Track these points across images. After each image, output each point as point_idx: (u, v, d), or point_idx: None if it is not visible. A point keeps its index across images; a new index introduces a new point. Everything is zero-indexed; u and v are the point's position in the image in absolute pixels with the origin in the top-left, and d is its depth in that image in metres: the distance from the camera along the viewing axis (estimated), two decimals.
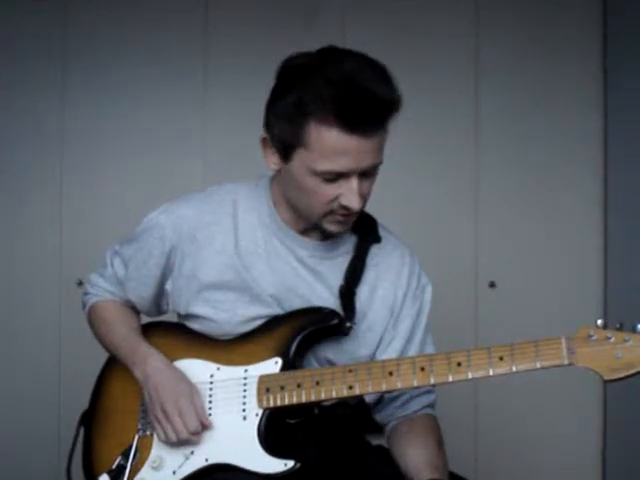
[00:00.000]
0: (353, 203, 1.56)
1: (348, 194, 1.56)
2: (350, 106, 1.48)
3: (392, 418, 1.74)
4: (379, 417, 1.76)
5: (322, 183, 1.56)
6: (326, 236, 1.70)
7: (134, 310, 1.86)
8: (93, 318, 1.87)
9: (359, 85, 1.48)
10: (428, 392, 1.74)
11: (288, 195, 1.66)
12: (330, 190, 1.56)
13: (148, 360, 1.70)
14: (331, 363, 1.69)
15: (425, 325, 1.76)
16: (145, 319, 1.88)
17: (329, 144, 1.51)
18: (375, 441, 1.82)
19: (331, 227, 1.63)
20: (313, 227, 1.68)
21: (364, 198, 1.60)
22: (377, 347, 1.72)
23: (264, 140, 1.63)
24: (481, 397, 3.29)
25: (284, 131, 1.56)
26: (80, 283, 3.12)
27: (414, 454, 1.63)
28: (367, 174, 1.57)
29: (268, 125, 1.61)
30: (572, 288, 3.33)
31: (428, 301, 1.78)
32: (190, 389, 1.66)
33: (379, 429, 1.78)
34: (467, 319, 3.32)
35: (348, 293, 1.69)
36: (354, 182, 1.55)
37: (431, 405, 1.75)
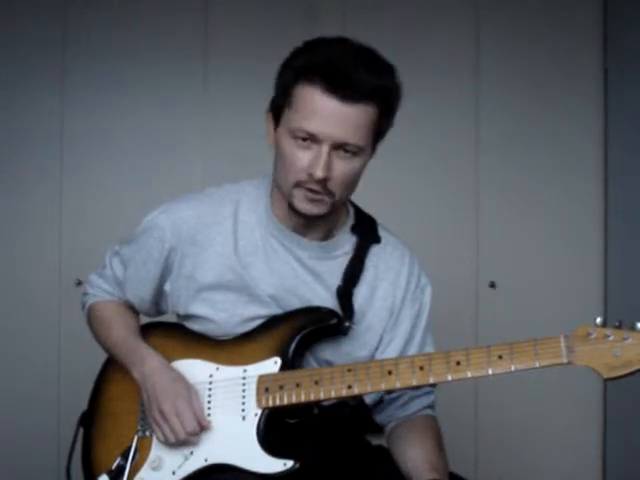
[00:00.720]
0: (315, 169, 1.55)
1: (314, 161, 1.56)
2: (338, 67, 1.52)
3: (392, 419, 1.74)
4: (379, 418, 1.76)
5: (296, 149, 1.57)
6: (325, 235, 1.70)
7: (133, 311, 1.86)
8: (92, 318, 1.87)
9: (351, 60, 1.54)
10: (428, 393, 1.75)
11: (276, 175, 1.66)
12: (302, 157, 1.57)
13: (146, 360, 1.70)
14: (330, 364, 1.69)
15: (424, 326, 1.77)
16: (144, 319, 1.88)
17: (307, 101, 1.54)
18: (375, 441, 1.82)
19: (300, 204, 1.61)
20: (310, 226, 1.68)
21: (335, 179, 1.58)
22: (376, 348, 1.73)
23: (267, 113, 1.66)
24: (481, 397, 3.29)
25: (278, 95, 1.61)
26: (79, 283, 3.12)
27: (414, 455, 1.63)
28: (342, 150, 1.57)
29: (272, 101, 1.65)
30: (572, 288, 3.34)
31: (428, 302, 1.78)
32: (188, 390, 1.66)
33: (379, 429, 1.78)
34: (467, 319, 3.32)
35: (346, 293, 1.69)
36: (324, 150, 1.55)
37: (431, 406, 1.76)
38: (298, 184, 1.59)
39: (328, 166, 1.56)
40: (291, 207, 1.64)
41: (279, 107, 1.60)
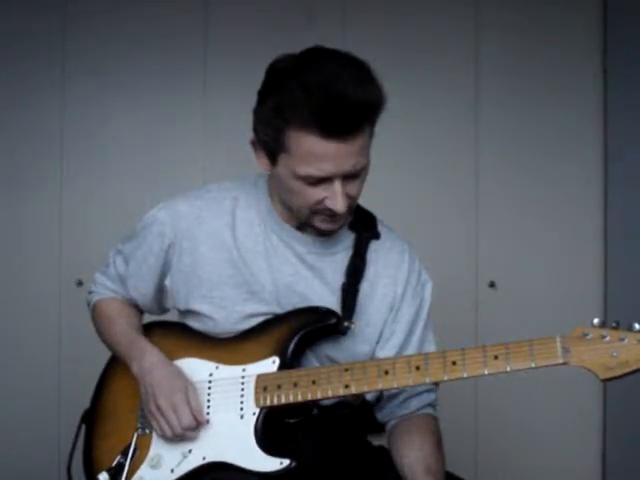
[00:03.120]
0: (337, 206, 1.57)
1: (332, 197, 1.57)
2: (325, 112, 1.48)
3: (392, 416, 1.74)
4: (380, 415, 1.76)
5: (306, 186, 1.57)
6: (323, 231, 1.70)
7: (136, 308, 1.87)
8: (95, 316, 1.88)
9: (335, 91, 1.48)
10: (428, 391, 1.74)
11: (280, 194, 1.67)
12: (315, 193, 1.58)
13: (145, 355, 1.71)
14: (331, 360, 1.69)
15: (425, 321, 1.77)
16: (148, 318, 1.89)
17: (308, 149, 1.52)
18: (377, 442, 1.82)
19: (322, 225, 1.64)
20: (307, 224, 1.68)
21: (350, 200, 1.60)
22: (377, 342, 1.73)
23: (253, 143, 1.65)
24: (481, 397, 3.29)
25: (267, 136, 1.58)
26: (80, 283, 3.13)
27: (410, 456, 1.63)
28: (352, 177, 1.58)
29: (255, 128, 1.62)
30: (572, 288, 3.33)
31: (428, 298, 1.78)
32: (185, 385, 1.66)
33: (381, 429, 1.78)
34: (467, 319, 3.32)
35: (351, 290, 1.69)
36: (337, 185, 1.56)
37: (431, 404, 1.75)
38: (316, 212, 1.61)
39: (345, 197, 1.57)
40: (310, 225, 1.66)
41: (272, 149, 1.58)
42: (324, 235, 1.71)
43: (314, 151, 1.52)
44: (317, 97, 1.48)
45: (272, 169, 1.63)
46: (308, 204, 1.59)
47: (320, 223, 1.64)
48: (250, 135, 1.65)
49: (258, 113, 1.60)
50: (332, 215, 1.61)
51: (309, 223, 1.65)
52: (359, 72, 1.54)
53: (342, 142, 1.51)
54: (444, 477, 1.63)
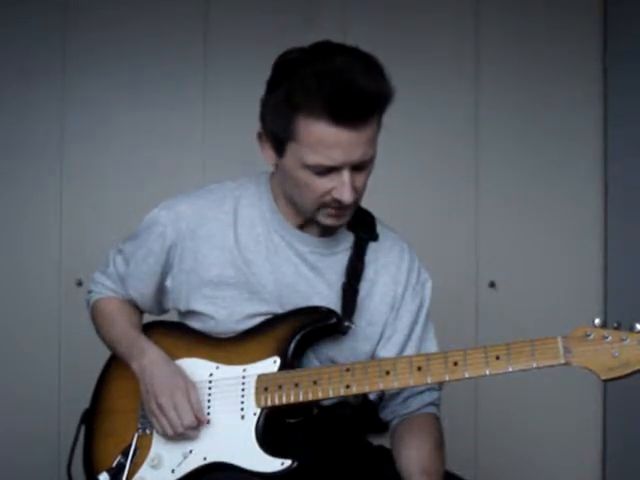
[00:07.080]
0: (345, 196, 1.57)
1: (340, 188, 1.56)
2: (337, 98, 1.49)
3: (395, 416, 1.74)
4: (382, 415, 1.77)
5: (314, 176, 1.57)
6: (325, 230, 1.70)
7: (136, 308, 1.87)
8: (95, 315, 1.88)
9: (347, 78, 1.49)
10: (430, 390, 1.74)
11: (285, 189, 1.67)
12: (322, 183, 1.57)
13: (145, 353, 1.71)
14: (332, 361, 1.69)
15: (425, 319, 1.77)
16: (147, 318, 1.88)
17: (317, 137, 1.52)
18: (377, 441, 1.82)
19: (327, 220, 1.64)
20: (311, 221, 1.68)
21: (357, 191, 1.60)
22: (378, 342, 1.73)
23: (260, 135, 1.65)
24: (481, 397, 3.29)
25: (276, 125, 1.58)
26: (80, 283, 3.13)
27: (407, 456, 1.63)
28: (360, 168, 1.58)
29: (263, 120, 1.62)
30: (572, 288, 3.33)
31: (428, 296, 1.78)
32: (186, 383, 1.66)
33: (382, 429, 1.78)
34: (467, 319, 3.32)
35: (351, 290, 1.70)
36: (346, 175, 1.56)
37: (434, 403, 1.75)
38: (322, 206, 1.61)
39: (353, 188, 1.57)
40: (313, 220, 1.66)
41: (280, 139, 1.58)
42: (326, 233, 1.71)
43: (324, 139, 1.52)
44: (329, 84, 1.49)
45: (278, 161, 1.62)
46: (315, 195, 1.59)
47: (325, 218, 1.63)
48: (253, 130, 1.65)
49: (267, 102, 1.60)
50: (338, 208, 1.60)
51: (314, 218, 1.65)
52: (369, 63, 1.55)
53: (352, 130, 1.51)
54: (442, 478, 1.62)
